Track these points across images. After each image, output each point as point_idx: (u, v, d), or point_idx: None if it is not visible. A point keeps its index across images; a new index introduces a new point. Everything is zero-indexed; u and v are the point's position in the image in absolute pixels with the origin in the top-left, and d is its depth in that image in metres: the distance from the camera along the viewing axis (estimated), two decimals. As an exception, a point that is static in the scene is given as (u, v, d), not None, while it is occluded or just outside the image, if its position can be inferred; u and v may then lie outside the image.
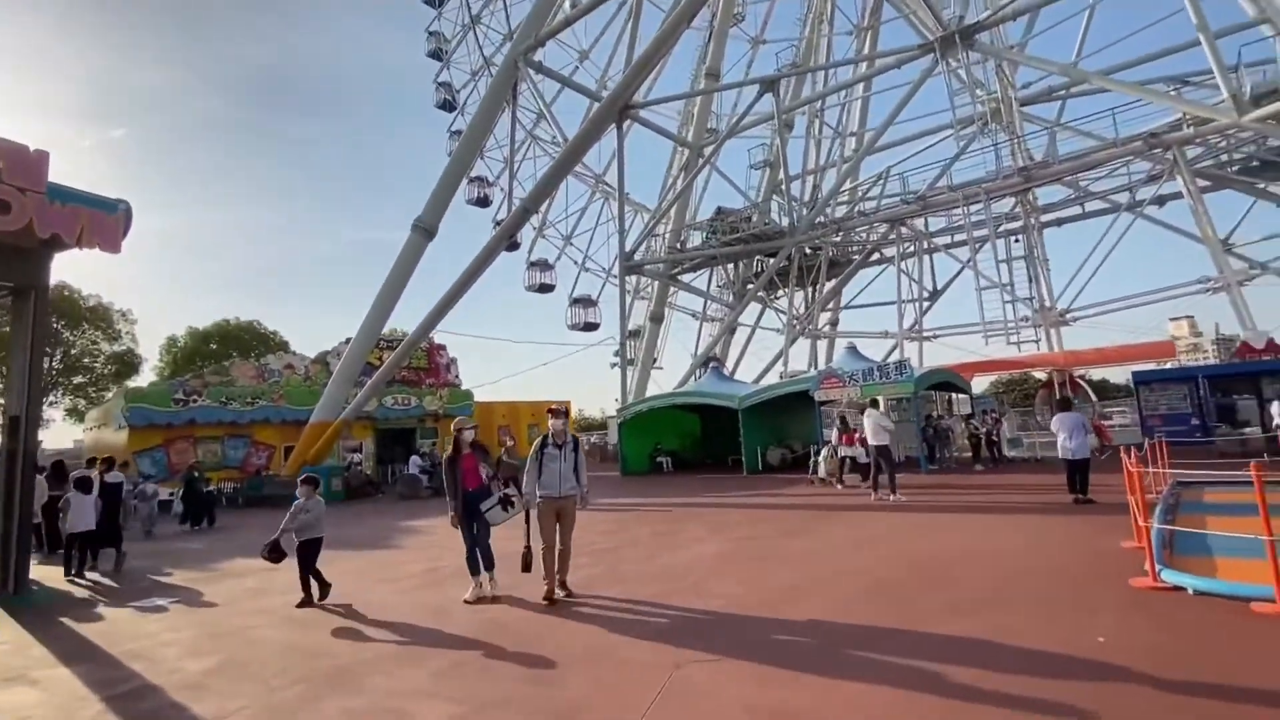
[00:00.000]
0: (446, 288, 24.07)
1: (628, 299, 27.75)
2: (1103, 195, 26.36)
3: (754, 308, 32.76)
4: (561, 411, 6.28)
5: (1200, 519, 7.82)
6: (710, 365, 26.57)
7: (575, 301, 30.79)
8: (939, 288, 32.22)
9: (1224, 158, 22.59)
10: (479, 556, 6.28)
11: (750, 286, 30.03)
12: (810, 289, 31.50)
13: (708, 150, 28.64)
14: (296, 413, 24.13)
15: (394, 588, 7.25)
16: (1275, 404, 15.07)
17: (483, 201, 35.28)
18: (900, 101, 24.10)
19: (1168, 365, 23.84)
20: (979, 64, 24.70)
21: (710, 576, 6.68)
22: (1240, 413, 17.57)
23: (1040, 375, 27.22)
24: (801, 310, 32.38)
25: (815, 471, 15.40)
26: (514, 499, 6.43)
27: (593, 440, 35.58)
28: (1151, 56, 25.03)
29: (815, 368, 32.16)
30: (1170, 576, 5.22)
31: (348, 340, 25.42)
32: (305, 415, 23.34)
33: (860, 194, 29.91)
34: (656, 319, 31.80)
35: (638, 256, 28.31)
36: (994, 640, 4.31)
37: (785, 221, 26.92)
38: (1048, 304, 25.73)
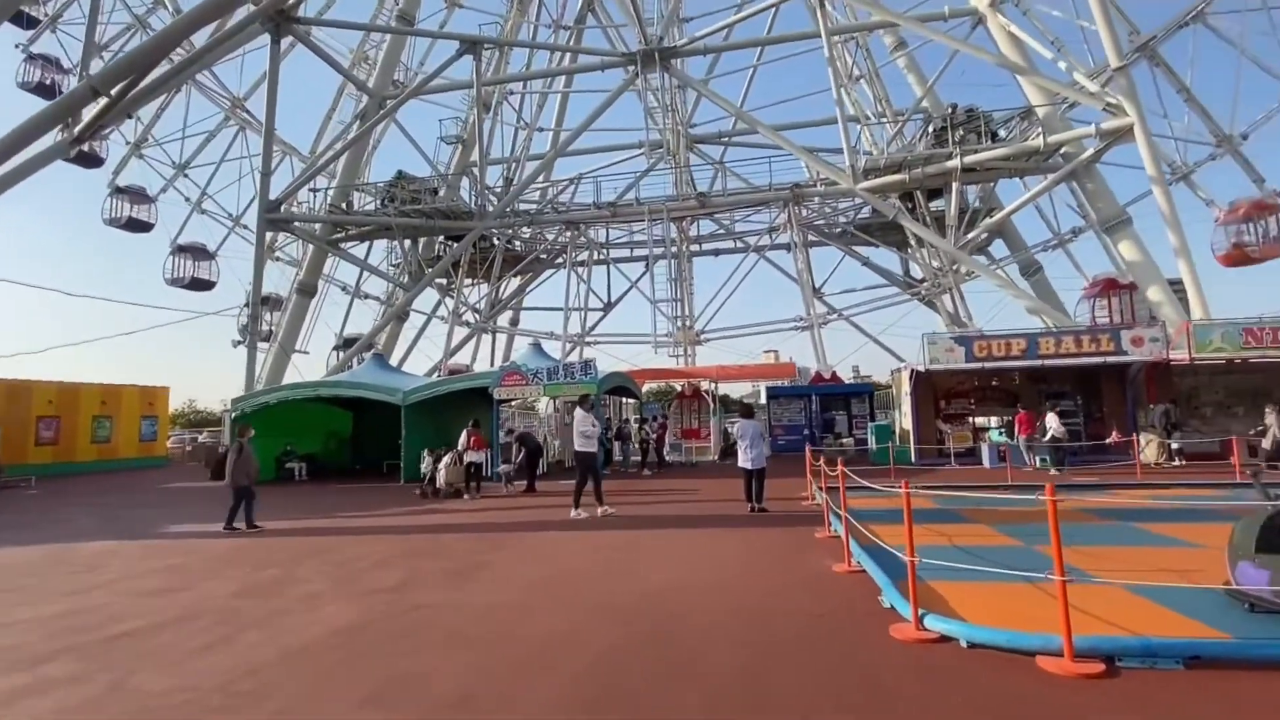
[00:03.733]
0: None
1: (264, 260, 21.49)
2: (740, 235, 30.26)
3: (428, 296, 29.22)
4: None
5: (867, 528, 7.69)
6: (372, 353, 22.28)
7: (181, 250, 22.86)
8: (612, 299, 33.40)
9: (831, 220, 27.69)
10: None
11: (429, 270, 26.40)
12: (494, 282, 29.28)
13: (389, 103, 24.20)
14: None
15: None
16: (1050, 415, 14.14)
17: (45, 89, 24.19)
18: (599, 106, 23.71)
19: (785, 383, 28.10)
20: (670, 90, 25.74)
21: (310, 693, 3.70)
22: (836, 425, 20.99)
23: (678, 385, 29.91)
24: (480, 303, 30.18)
25: (431, 481, 13.10)
26: None
27: (200, 439, 27.28)
28: (792, 125, 29.68)
29: (491, 364, 30.10)
30: (937, 625, 4.21)
31: None
32: None
33: (553, 193, 28.99)
34: (306, 291, 25.48)
35: (285, 209, 22.30)
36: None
37: (475, 205, 24.20)
38: (688, 324, 28.29)
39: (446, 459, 13.29)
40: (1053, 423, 14.01)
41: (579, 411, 9.96)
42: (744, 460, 9.99)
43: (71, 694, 3.77)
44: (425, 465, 13.44)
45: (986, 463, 15.65)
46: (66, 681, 3.95)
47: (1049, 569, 3.77)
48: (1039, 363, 15.57)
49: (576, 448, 9.93)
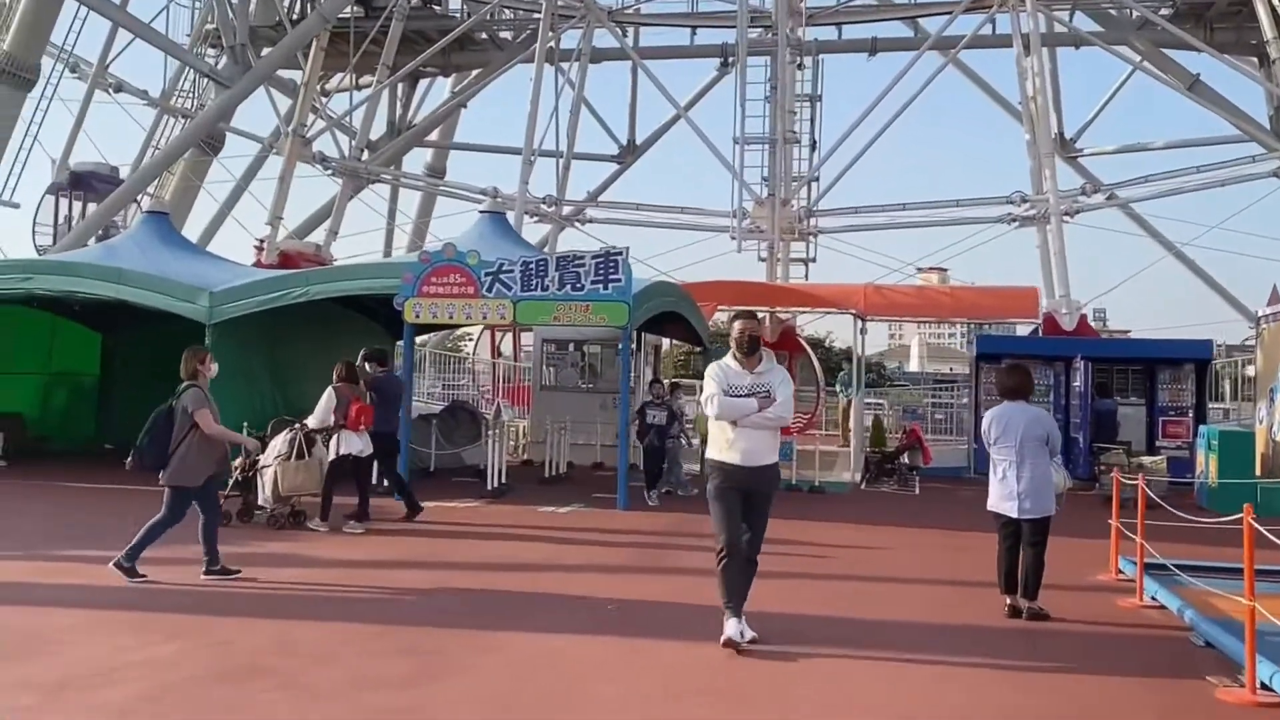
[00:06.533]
0: None
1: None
2: (914, 12, 28.90)
3: (260, 107, 30.22)
4: None
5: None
6: (143, 211, 22.98)
7: None
8: (637, 139, 32.77)
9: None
10: None
11: (267, 52, 27.38)
12: (388, 82, 30.48)
13: None
14: None
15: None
16: None
17: None
18: None
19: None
20: None
21: None
22: (1121, 425, 19.61)
23: (734, 318, 28.54)
24: (354, 120, 31.12)
25: (240, 489, 13.21)
26: None
27: None
28: None
29: (385, 250, 29.89)
30: None
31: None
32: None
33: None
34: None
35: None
36: None
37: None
38: (787, 197, 26.69)
39: (279, 445, 12.90)
40: None
41: (726, 364, 7.77)
42: (1006, 496, 8.92)
43: None
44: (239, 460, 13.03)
45: None
46: None
47: None
48: None
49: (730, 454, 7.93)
